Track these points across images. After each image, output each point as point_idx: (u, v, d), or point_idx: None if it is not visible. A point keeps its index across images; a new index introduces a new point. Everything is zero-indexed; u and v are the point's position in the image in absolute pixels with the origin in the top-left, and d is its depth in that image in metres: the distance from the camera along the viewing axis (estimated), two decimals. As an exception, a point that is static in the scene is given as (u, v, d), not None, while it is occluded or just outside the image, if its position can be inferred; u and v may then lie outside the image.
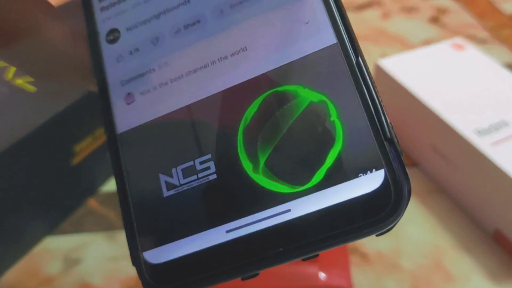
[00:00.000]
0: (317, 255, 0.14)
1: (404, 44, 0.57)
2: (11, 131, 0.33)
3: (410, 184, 0.14)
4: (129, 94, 0.17)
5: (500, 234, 0.38)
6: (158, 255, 0.15)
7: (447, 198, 0.41)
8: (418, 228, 0.39)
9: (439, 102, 0.41)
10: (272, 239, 0.14)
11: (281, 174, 0.15)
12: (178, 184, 0.16)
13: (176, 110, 0.17)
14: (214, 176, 0.15)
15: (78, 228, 0.39)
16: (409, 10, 0.63)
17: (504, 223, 0.37)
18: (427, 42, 0.57)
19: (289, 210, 0.14)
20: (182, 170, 0.16)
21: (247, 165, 0.15)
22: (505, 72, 0.44)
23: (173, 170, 0.16)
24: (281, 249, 0.14)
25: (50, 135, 0.35)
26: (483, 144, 0.38)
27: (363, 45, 0.61)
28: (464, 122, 0.39)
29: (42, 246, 0.37)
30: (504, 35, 0.59)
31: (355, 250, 0.38)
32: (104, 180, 0.42)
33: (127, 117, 0.17)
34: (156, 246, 0.15)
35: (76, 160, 0.38)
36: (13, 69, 0.37)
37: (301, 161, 0.15)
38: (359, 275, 0.36)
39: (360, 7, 0.64)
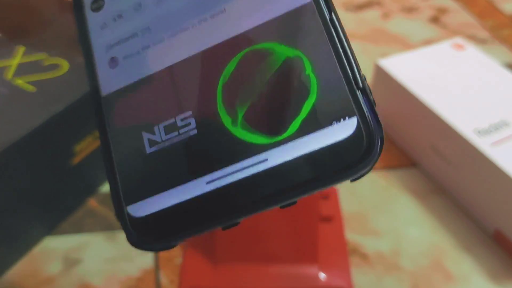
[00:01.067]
0: (295, 202, 0.15)
1: (404, 44, 0.57)
2: (11, 131, 0.33)
3: (382, 132, 0.15)
4: (112, 58, 0.18)
5: (500, 234, 0.38)
6: (141, 208, 0.16)
7: (447, 198, 0.41)
8: (418, 228, 0.39)
9: (439, 102, 0.41)
10: (250, 188, 0.15)
11: (259, 126, 0.16)
12: (160, 140, 0.16)
13: (158, 71, 0.17)
14: (195, 131, 0.16)
15: (78, 229, 0.39)
16: (409, 10, 0.63)
17: (504, 223, 0.37)
18: (427, 42, 0.57)
19: (266, 160, 0.15)
20: (164, 127, 0.17)
21: (226, 120, 0.16)
22: (505, 72, 0.44)
23: (155, 127, 0.17)
24: (259, 196, 0.15)
25: (50, 135, 0.35)
26: (483, 144, 0.38)
27: (363, 45, 0.61)
28: (464, 122, 0.39)
29: (42, 246, 0.37)
30: (504, 35, 0.59)
31: (355, 251, 0.38)
32: (104, 180, 0.42)
33: (111, 80, 0.18)
34: (139, 200, 0.16)
35: (76, 160, 0.38)
36: (13, 69, 0.37)
37: (278, 113, 0.15)
38: (359, 275, 0.36)
39: (360, 7, 0.64)
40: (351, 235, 0.39)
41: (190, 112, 0.16)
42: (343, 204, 0.40)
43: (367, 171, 0.15)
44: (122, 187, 0.16)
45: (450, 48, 0.46)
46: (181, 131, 0.16)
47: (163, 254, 0.37)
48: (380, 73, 0.45)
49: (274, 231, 0.35)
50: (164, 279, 0.36)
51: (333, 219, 0.39)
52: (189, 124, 0.16)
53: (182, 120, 0.16)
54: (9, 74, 0.37)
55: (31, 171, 0.35)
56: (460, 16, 0.62)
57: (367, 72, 0.48)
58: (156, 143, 0.17)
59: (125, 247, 0.37)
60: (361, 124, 0.15)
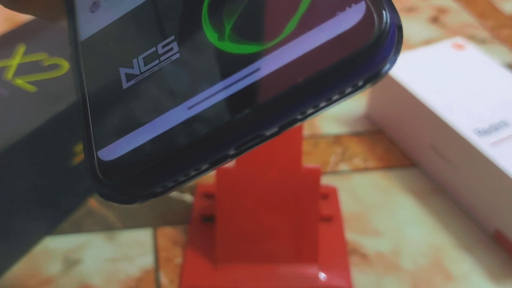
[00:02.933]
0: (296, 121, 0.13)
1: (404, 44, 0.57)
2: (11, 131, 0.33)
3: (400, 19, 0.13)
4: (94, 3, 0.17)
5: (500, 234, 0.38)
6: (114, 150, 0.14)
7: (447, 198, 0.41)
8: (418, 228, 0.39)
9: (439, 102, 0.41)
10: (240, 104, 0.13)
11: (249, 34, 0.14)
12: (138, 73, 0.15)
13: (138, 5, 0.16)
14: (177, 55, 0.14)
15: (78, 229, 0.39)
16: (409, 10, 0.63)
17: (504, 223, 0.37)
18: (427, 42, 0.57)
19: (258, 69, 0.13)
20: (144, 58, 0.15)
21: (211, 36, 0.14)
22: (505, 72, 0.44)
23: (134, 60, 0.15)
24: (251, 113, 0.12)
25: (50, 135, 0.35)
26: (483, 144, 0.38)
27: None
28: (464, 122, 0.39)
29: (42, 246, 0.37)
30: (504, 35, 0.59)
31: (355, 251, 0.38)
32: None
33: (92, 24, 0.17)
34: (112, 142, 0.14)
35: (76, 160, 0.38)
36: (13, 69, 0.37)
37: (272, 16, 0.13)
38: (359, 275, 0.36)
39: (360, 7, 0.64)
40: (351, 235, 0.39)
41: (172, 37, 0.15)
42: (343, 204, 0.40)
43: (385, 66, 0.12)
44: (94, 132, 0.15)
45: (450, 48, 0.46)
46: (162, 58, 0.15)
47: (163, 254, 0.37)
48: (380, 73, 0.45)
49: (274, 231, 0.35)
50: (164, 279, 0.36)
51: (333, 219, 0.39)
52: (171, 49, 0.14)
53: (163, 47, 0.15)
54: (9, 74, 0.37)
55: (31, 171, 0.35)
56: (460, 16, 0.62)
57: (367, 72, 0.48)
58: (134, 76, 0.15)
59: (125, 247, 0.37)
60: (371, 7, 0.12)
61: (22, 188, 0.35)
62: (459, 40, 0.47)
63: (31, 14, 0.18)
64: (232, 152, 0.13)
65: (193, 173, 0.14)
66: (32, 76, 0.37)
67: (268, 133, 0.13)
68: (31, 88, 0.36)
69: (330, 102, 0.13)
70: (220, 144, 0.13)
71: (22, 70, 0.37)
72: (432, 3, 0.64)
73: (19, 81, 0.36)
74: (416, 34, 0.59)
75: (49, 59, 0.38)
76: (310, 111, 0.13)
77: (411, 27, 0.60)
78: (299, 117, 0.13)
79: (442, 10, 0.63)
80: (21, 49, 0.39)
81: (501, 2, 0.64)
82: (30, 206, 0.36)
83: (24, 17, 0.57)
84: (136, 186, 0.14)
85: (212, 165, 0.13)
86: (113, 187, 0.14)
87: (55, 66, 0.38)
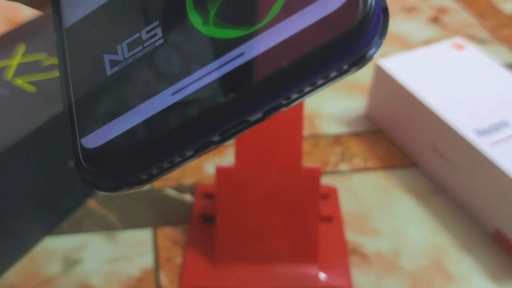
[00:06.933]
0: (280, 106, 0.13)
1: (404, 44, 0.57)
2: (11, 131, 0.33)
3: (385, 1, 0.12)
4: None
5: (500, 234, 0.38)
6: (98, 138, 0.14)
7: (447, 198, 0.41)
8: (418, 228, 0.39)
9: (439, 102, 0.41)
10: (224, 89, 0.13)
11: (233, 19, 0.13)
12: (122, 59, 0.15)
13: None
14: (161, 41, 0.14)
15: (77, 229, 0.39)
16: (409, 10, 0.63)
17: (504, 223, 0.37)
18: (427, 42, 0.57)
19: (242, 54, 0.13)
20: (128, 44, 0.15)
21: (196, 21, 0.14)
22: (505, 72, 0.44)
23: (118, 47, 0.15)
24: (235, 98, 0.12)
25: (50, 136, 0.35)
26: (483, 144, 0.38)
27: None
28: (464, 122, 0.39)
29: (41, 246, 0.37)
30: (504, 35, 0.59)
31: (355, 251, 0.38)
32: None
33: (76, 10, 0.17)
34: (96, 129, 0.14)
35: (76, 160, 0.38)
36: (13, 69, 0.37)
37: (256, 0, 0.13)
38: (359, 275, 0.36)
39: (360, 7, 0.64)
40: (351, 235, 0.39)
41: (156, 23, 0.15)
42: (343, 204, 0.40)
43: (370, 50, 0.12)
44: (78, 119, 0.15)
45: (450, 48, 0.46)
46: (146, 44, 0.14)
47: (163, 254, 0.37)
48: (380, 73, 0.45)
49: (274, 231, 0.35)
50: (164, 279, 0.36)
51: (333, 219, 0.39)
52: (155, 34, 0.14)
53: (147, 32, 0.15)
54: (9, 74, 0.37)
55: (31, 171, 0.35)
56: (460, 16, 0.62)
57: (367, 72, 0.48)
58: (118, 63, 0.15)
59: (125, 247, 0.37)
60: None
61: (22, 188, 0.35)
62: (459, 40, 0.47)
63: (18, 1, 0.18)
64: (216, 138, 0.13)
65: (177, 159, 0.14)
66: (32, 76, 0.37)
67: (252, 118, 0.13)
68: (31, 88, 0.36)
69: (315, 87, 0.12)
70: (204, 130, 0.13)
71: (22, 70, 0.37)
72: (432, 3, 0.64)
73: (19, 81, 0.36)
74: (416, 34, 0.59)
75: (48, 59, 0.38)
76: (295, 96, 0.12)
77: (411, 27, 0.60)
78: (284, 102, 0.13)
79: (442, 10, 0.63)
80: (21, 49, 0.39)
81: (501, 2, 0.64)
82: (29, 206, 0.36)
83: (24, 17, 0.57)
84: (120, 173, 0.14)
85: (196, 152, 0.13)
86: (97, 175, 0.14)
87: (55, 66, 0.37)
